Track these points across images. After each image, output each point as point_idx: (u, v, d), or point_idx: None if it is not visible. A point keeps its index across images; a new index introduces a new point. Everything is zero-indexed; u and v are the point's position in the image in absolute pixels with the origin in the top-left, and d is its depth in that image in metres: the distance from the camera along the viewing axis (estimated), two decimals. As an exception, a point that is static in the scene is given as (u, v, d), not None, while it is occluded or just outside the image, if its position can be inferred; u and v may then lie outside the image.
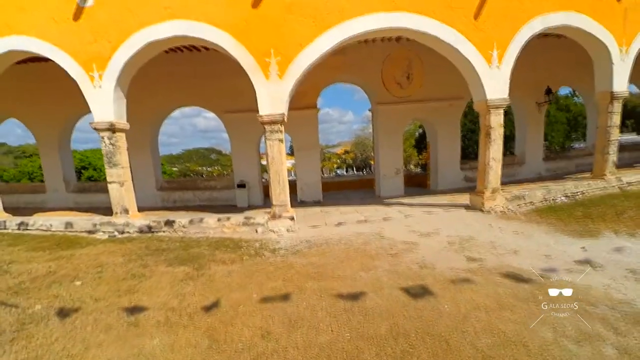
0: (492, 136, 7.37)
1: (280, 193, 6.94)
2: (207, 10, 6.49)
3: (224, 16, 6.50)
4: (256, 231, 6.95)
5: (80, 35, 6.66)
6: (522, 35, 7.26)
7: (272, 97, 6.70)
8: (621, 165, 11.84)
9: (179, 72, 10.12)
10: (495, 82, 7.20)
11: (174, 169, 34.16)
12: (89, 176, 20.16)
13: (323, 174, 47.35)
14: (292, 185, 11.38)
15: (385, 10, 6.73)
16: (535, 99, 11.82)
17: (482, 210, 7.52)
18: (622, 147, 11.88)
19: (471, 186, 11.45)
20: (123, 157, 7.28)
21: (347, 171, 52.63)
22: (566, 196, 8.17)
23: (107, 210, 7.84)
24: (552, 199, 8.09)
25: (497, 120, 7.36)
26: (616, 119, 8.31)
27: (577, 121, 25.08)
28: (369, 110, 11.71)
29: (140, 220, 7.39)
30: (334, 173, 49.56)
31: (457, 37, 6.96)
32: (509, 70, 7.30)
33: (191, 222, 7.15)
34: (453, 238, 5.68)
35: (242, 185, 10.37)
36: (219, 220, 7.13)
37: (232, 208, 10.33)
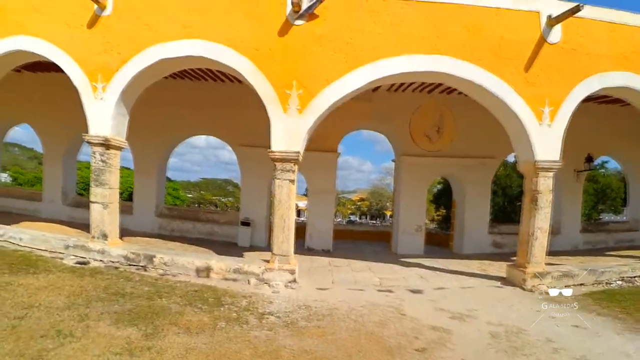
0: (539, 202, 6.08)
1: (283, 241, 5.71)
2: (228, 33, 5.78)
3: (246, 41, 5.78)
4: (248, 282, 5.66)
5: (91, 44, 6.03)
6: (577, 93, 6.22)
7: (289, 132, 5.73)
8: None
9: (197, 99, 9.49)
10: (546, 141, 6.06)
11: (189, 195, 33.51)
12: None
13: (336, 218, 46.12)
14: (301, 229, 10.16)
15: (425, 52, 5.89)
16: (574, 166, 10.52)
17: (522, 288, 6.05)
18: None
19: (499, 253, 9.95)
20: (113, 177, 6.32)
21: (360, 218, 51.13)
22: (622, 279, 6.68)
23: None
24: (606, 282, 6.57)
25: (546, 184, 6.12)
26: (685, 199, 6.91)
27: (605, 193, 23.46)
28: (392, 160, 10.64)
29: (118, 249, 6.26)
30: (347, 219, 48.09)
31: (505, 88, 5.95)
32: (562, 130, 6.18)
33: (175, 260, 5.96)
34: (496, 327, 4.22)
35: (246, 223, 9.19)
36: (207, 262, 5.91)
37: (232, 246, 9.11)
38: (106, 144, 6.19)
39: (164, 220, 9.95)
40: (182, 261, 5.96)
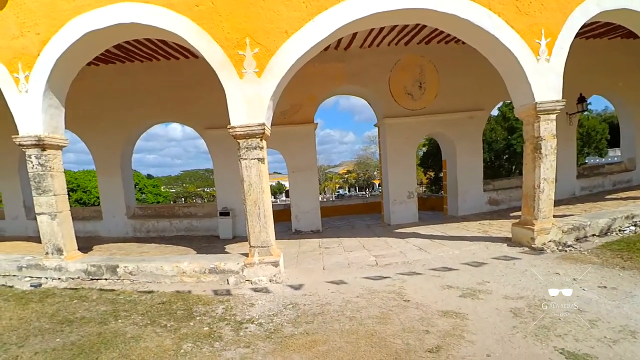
0: (543, 150, 5.35)
1: (260, 230, 4.86)
2: (161, -10, 4.66)
3: (184, -4, 4.68)
4: (227, 282, 4.85)
5: (5, 28, 4.88)
6: (575, 20, 5.34)
7: (249, 101, 4.75)
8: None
9: (152, 83, 8.31)
10: (545, 79, 5.23)
11: (172, 190, 32.08)
12: (77, 199, 18.26)
13: (326, 194, 45.50)
14: (286, 212, 9.34)
15: (401, -14, 4.86)
16: (565, 109, 9.79)
17: (532, 248, 5.40)
18: None
19: (497, 210, 9.37)
20: (56, 182, 5.31)
21: (349, 190, 50.75)
22: (635, 225, 6.10)
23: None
24: (619, 229, 6.00)
25: (548, 128, 5.37)
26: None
27: (590, 136, 23.15)
28: (375, 125, 9.74)
29: (76, 263, 5.35)
30: (336, 193, 47.55)
31: (495, 20, 5.02)
32: (562, 64, 5.32)
33: (141, 267, 5.09)
34: (516, 302, 3.52)
35: (225, 213, 8.31)
36: (177, 265, 5.05)
37: (214, 240, 8.27)
38: (41, 145, 5.13)
39: (137, 222, 8.99)
40: (150, 267, 5.09)
